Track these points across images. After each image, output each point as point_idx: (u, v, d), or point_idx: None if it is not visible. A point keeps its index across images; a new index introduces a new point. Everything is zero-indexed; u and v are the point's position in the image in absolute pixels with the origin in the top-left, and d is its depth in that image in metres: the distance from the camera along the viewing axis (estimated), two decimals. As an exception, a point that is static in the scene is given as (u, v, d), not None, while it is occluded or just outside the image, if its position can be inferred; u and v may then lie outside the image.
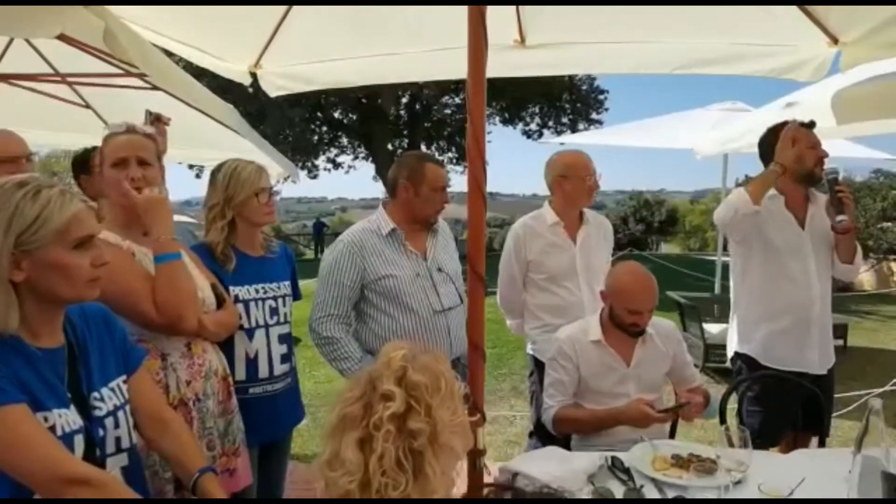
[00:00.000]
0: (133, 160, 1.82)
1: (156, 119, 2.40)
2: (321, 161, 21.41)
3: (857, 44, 2.58)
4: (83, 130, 4.04)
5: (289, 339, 2.34)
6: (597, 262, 2.98)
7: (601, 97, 19.67)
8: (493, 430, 4.60)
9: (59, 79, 3.52)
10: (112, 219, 1.85)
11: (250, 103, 12.24)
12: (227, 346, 2.12)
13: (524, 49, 2.95)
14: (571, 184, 2.91)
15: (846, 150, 6.01)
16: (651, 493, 1.85)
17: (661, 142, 6.87)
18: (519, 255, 2.97)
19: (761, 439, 2.55)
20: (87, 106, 4.13)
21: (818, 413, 2.63)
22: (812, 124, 2.72)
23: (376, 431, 1.12)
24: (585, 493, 1.84)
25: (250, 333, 2.20)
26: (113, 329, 1.49)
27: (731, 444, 1.88)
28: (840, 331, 6.82)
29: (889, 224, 12.03)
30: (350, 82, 3.69)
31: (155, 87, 3.15)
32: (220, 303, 2.03)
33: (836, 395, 3.03)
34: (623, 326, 2.41)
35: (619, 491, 1.84)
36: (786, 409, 2.74)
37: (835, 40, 2.69)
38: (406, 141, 21.28)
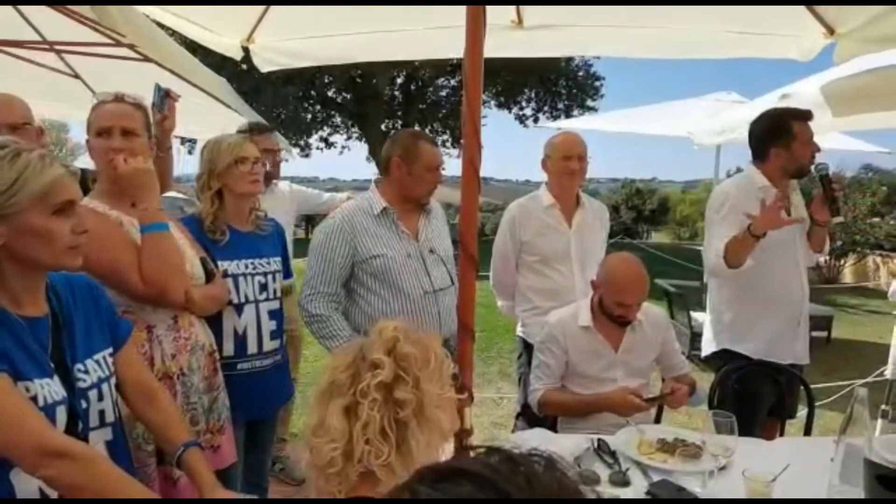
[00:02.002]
0: (117, 130, 1.79)
1: (166, 94, 2.37)
2: (314, 140, 21.23)
3: (852, 35, 2.57)
4: (71, 101, 3.95)
5: (279, 316, 2.32)
6: (591, 246, 2.97)
7: (597, 84, 19.56)
8: (480, 412, 4.63)
9: (46, 46, 3.44)
10: (100, 189, 1.82)
11: (244, 81, 12.06)
12: (215, 322, 2.10)
13: (521, 30, 2.92)
14: (553, 163, 2.91)
15: (838, 142, 6.02)
16: (636, 476, 1.86)
17: (655, 129, 6.87)
18: (513, 236, 2.95)
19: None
20: (76, 76, 4.05)
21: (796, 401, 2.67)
22: (809, 115, 2.68)
23: (363, 399, 1.13)
24: (570, 476, 1.84)
25: (239, 309, 2.18)
26: (99, 301, 1.47)
27: (717, 430, 1.90)
28: (825, 323, 6.90)
29: (877, 220, 12.14)
30: (344, 59, 3.65)
31: (147, 59, 3.10)
32: (209, 277, 2.00)
33: (819, 386, 3.06)
34: (611, 317, 2.42)
35: (604, 474, 1.86)
36: (762, 399, 2.75)
37: (831, 31, 2.68)
38: (400, 122, 21.08)
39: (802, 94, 3.43)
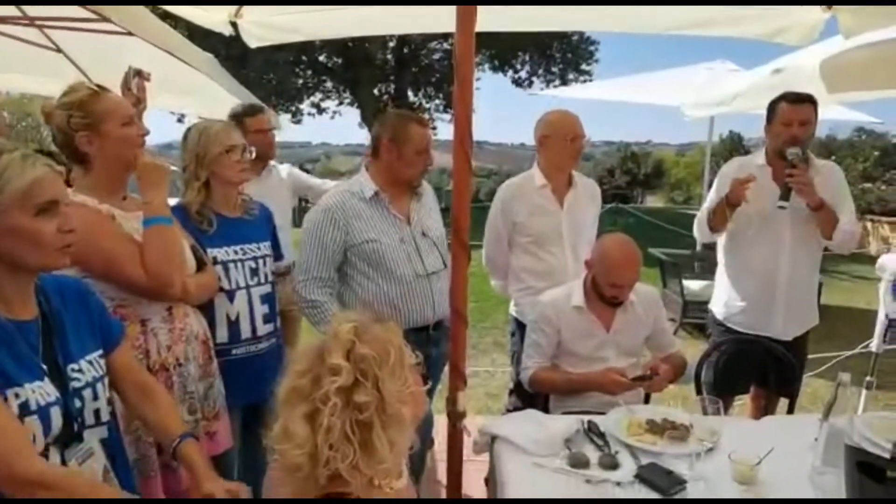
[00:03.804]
0: (136, 118, 1.82)
1: (136, 74, 2.36)
2: (305, 105, 20.96)
3: (850, 9, 2.54)
4: (54, 75, 3.90)
5: (271, 299, 2.32)
6: (583, 226, 2.97)
7: (592, 48, 19.31)
8: (475, 383, 4.70)
9: (27, 21, 3.36)
10: (89, 184, 1.78)
11: (233, 46, 11.80)
12: (207, 309, 2.10)
13: (516, 5, 2.86)
14: (554, 144, 2.87)
15: (831, 112, 6.01)
16: (625, 458, 1.91)
17: (650, 98, 6.83)
18: (505, 217, 2.95)
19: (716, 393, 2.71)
20: (59, 50, 3.97)
21: (788, 376, 2.72)
22: (798, 98, 2.68)
23: (323, 405, 1.13)
24: (562, 458, 1.89)
25: (231, 295, 2.18)
26: (90, 303, 1.47)
27: (705, 413, 1.94)
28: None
29: (869, 185, 12.17)
30: (334, 33, 3.59)
31: (130, 33, 3.04)
32: (200, 265, 2.01)
33: (809, 357, 3.11)
34: (604, 297, 2.44)
35: (594, 456, 1.90)
36: (745, 372, 2.88)
37: (829, 4, 2.65)
38: (392, 86, 20.80)
39: (795, 68, 3.41)
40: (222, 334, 2.17)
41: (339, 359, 1.14)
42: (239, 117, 3.16)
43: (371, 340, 1.18)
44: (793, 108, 2.68)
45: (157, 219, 1.78)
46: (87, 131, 1.74)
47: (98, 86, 1.79)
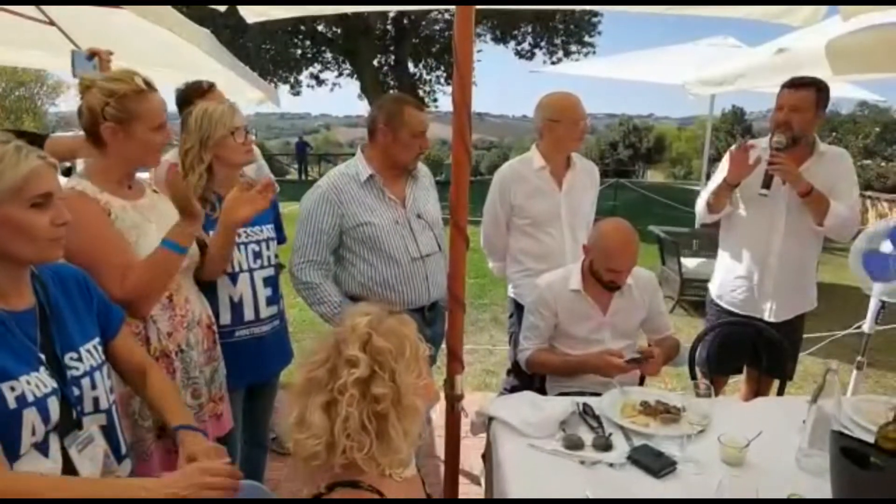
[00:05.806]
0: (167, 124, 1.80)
1: (93, 55, 2.30)
2: (304, 77, 20.73)
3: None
4: (48, 48, 3.89)
5: (274, 282, 2.33)
6: (581, 207, 2.98)
7: (595, 20, 19.07)
8: (473, 359, 4.76)
9: (24, -7, 3.33)
10: (100, 169, 1.76)
11: (229, 16, 11.66)
12: (210, 291, 2.12)
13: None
14: (564, 128, 2.85)
15: (834, 89, 5.98)
16: (619, 440, 1.95)
17: (653, 76, 6.78)
18: (504, 199, 2.96)
19: (708, 372, 2.88)
20: (52, 23, 3.94)
21: (779, 358, 2.77)
22: (797, 84, 2.68)
23: (340, 396, 1.16)
24: (557, 440, 1.94)
25: (233, 278, 2.19)
26: (89, 291, 1.47)
27: (697, 395, 1.99)
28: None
29: (868, 162, 12.12)
30: (333, 9, 3.54)
31: (120, 5, 3.01)
32: (202, 250, 2.01)
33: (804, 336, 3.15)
34: (601, 282, 2.47)
35: (588, 438, 1.94)
36: (737, 354, 2.94)
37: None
38: (392, 57, 20.56)
39: (798, 48, 3.39)
40: (225, 316, 2.18)
41: (356, 350, 1.17)
42: (188, 96, 2.93)
43: (387, 333, 1.21)
44: (787, 92, 2.68)
45: (174, 245, 1.73)
46: (115, 123, 1.71)
47: (146, 82, 1.74)
